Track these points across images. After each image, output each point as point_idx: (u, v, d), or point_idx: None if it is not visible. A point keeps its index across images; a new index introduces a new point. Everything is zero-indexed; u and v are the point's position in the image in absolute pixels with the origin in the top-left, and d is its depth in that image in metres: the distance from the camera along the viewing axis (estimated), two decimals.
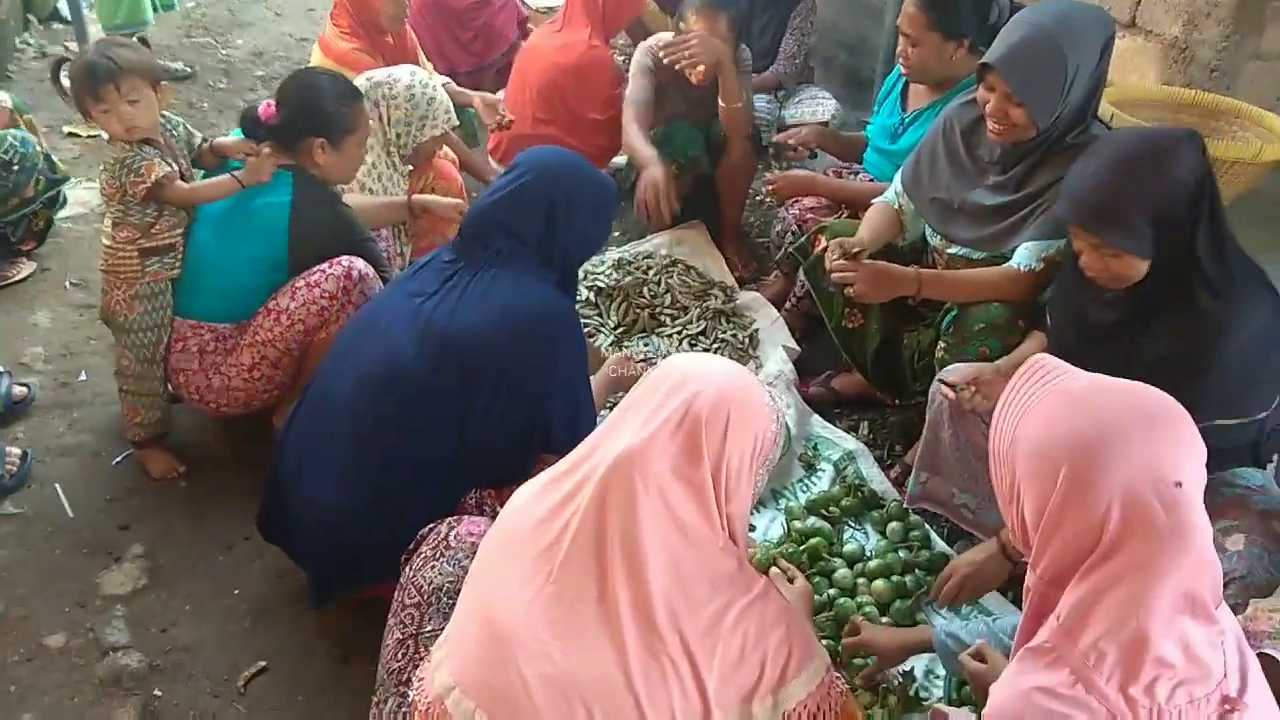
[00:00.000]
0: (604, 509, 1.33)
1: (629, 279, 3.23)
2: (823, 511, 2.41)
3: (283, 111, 2.37)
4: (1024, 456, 1.25)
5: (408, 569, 1.69)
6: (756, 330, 3.09)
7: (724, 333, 3.06)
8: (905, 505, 2.35)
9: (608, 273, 3.27)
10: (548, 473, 1.49)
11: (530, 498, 1.45)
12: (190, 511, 2.40)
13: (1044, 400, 1.26)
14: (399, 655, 1.62)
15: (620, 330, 3.08)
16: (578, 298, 3.17)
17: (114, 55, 2.23)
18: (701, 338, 3.04)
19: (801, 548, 2.28)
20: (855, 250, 2.33)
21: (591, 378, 2.16)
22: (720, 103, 3.13)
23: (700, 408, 1.34)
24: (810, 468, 2.59)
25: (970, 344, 2.23)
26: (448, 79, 3.36)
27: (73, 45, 4.79)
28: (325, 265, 2.37)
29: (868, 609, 2.13)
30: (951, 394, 2.07)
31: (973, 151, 2.37)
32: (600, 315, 3.14)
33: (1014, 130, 2.16)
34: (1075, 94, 2.11)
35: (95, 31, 4.63)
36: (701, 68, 3.01)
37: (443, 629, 1.49)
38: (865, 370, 2.65)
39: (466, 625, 1.42)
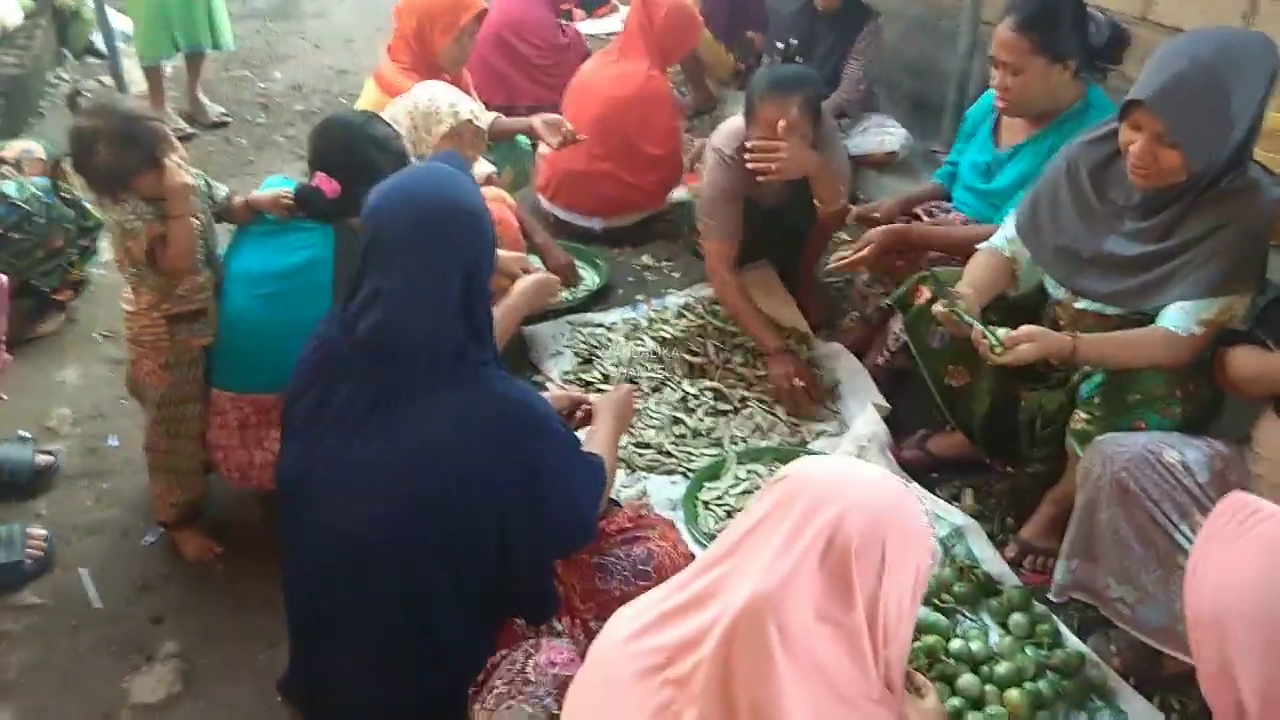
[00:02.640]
0: (731, 667, 1.08)
1: (696, 324, 2.98)
2: (935, 600, 2.13)
3: (341, 179, 2.14)
4: (1238, 624, 0.98)
5: (478, 706, 1.43)
6: (839, 385, 2.83)
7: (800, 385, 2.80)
8: (1053, 597, 2.05)
9: (673, 321, 3.02)
10: (656, 596, 1.24)
11: (634, 632, 1.19)
12: (229, 601, 2.17)
13: (1251, 551, 1.01)
14: None
15: (686, 380, 2.82)
16: (642, 346, 2.95)
17: (106, 156, 2.02)
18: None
19: (916, 645, 2.00)
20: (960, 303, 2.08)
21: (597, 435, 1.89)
22: (816, 202, 2.85)
23: (849, 537, 1.09)
24: None
25: (1125, 417, 1.96)
26: (498, 114, 3.14)
27: (108, 79, 4.65)
28: None
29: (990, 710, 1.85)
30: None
31: (1104, 195, 2.09)
32: (665, 367, 2.88)
33: (1163, 175, 1.90)
34: (1235, 135, 1.84)
35: (130, 65, 4.48)
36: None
37: None
38: (972, 434, 2.37)
39: None
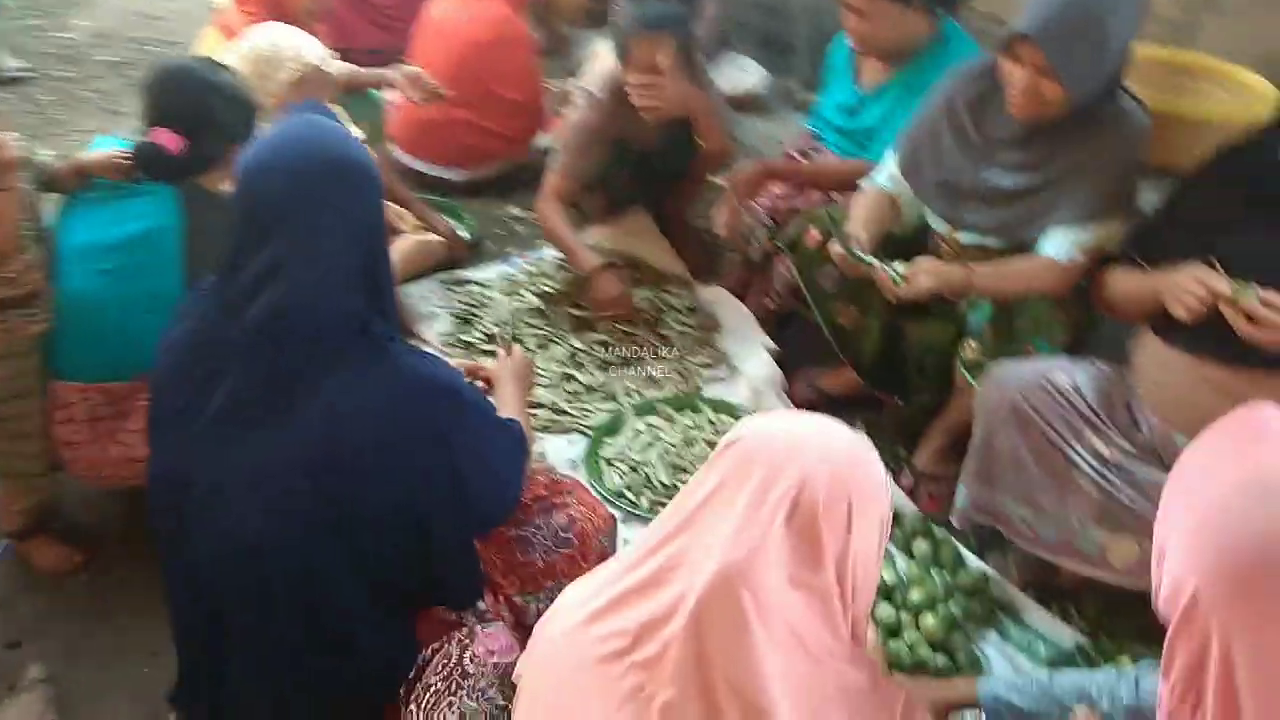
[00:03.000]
0: (704, 642, 1.03)
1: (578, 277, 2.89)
2: None
3: (184, 133, 1.91)
4: (1185, 534, 0.98)
5: (413, 707, 1.33)
6: (722, 329, 2.81)
7: (688, 330, 2.77)
8: (955, 522, 2.11)
9: (553, 275, 2.92)
10: (605, 576, 1.17)
11: (589, 617, 1.13)
12: (96, 614, 1.96)
13: (1231, 476, 1.01)
14: None
15: (573, 335, 2.74)
16: (523, 302, 2.84)
17: None
18: (663, 342, 2.73)
19: None
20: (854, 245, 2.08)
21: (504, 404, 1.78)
22: (699, 141, 2.79)
23: (814, 498, 1.05)
24: None
25: (1014, 344, 2.02)
26: (353, 66, 2.90)
27: None
28: None
29: (921, 651, 1.90)
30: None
31: (983, 129, 2.13)
32: (551, 324, 2.78)
33: (1043, 107, 1.94)
34: (1110, 64, 1.89)
35: None
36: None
37: None
38: (863, 370, 2.41)
39: None
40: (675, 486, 2.26)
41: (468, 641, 1.35)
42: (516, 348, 1.96)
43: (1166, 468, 1.85)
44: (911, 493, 2.33)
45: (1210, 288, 1.69)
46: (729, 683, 1.01)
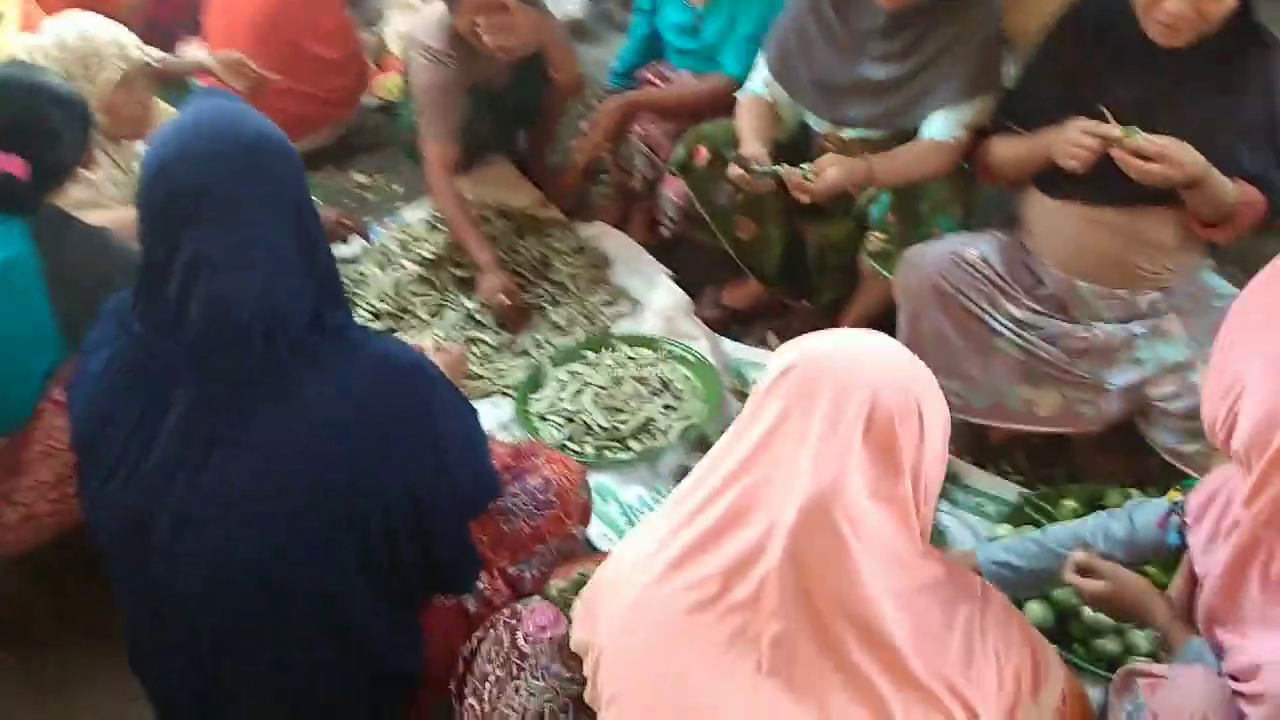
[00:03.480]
0: (805, 569, 1.04)
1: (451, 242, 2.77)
2: None
3: (24, 153, 1.67)
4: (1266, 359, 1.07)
5: (472, 700, 1.28)
6: (611, 263, 2.77)
7: (579, 270, 2.72)
8: None
9: (427, 238, 2.78)
10: (666, 526, 1.15)
11: (665, 571, 1.11)
12: (33, 707, 1.75)
13: None
14: None
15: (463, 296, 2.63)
16: (403, 272, 2.69)
17: None
18: (557, 289, 2.67)
19: None
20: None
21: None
22: (552, 73, 2.70)
23: (888, 412, 1.07)
24: (745, 396, 2.36)
25: (920, 228, 2.10)
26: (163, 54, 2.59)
27: None
28: None
29: None
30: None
31: (849, 22, 2.16)
32: (439, 290, 2.66)
33: None
34: None
35: None
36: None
37: None
38: (768, 279, 2.45)
39: None
40: (615, 428, 2.24)
41: (514, 622, 1.30)
42: (449, 344, 1.90)
43: (1071, 317, 2.03)
44: None
45: (1101, 135, 1.79)
46: (837, 605, 1.03)
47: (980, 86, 2.09)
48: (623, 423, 2.25)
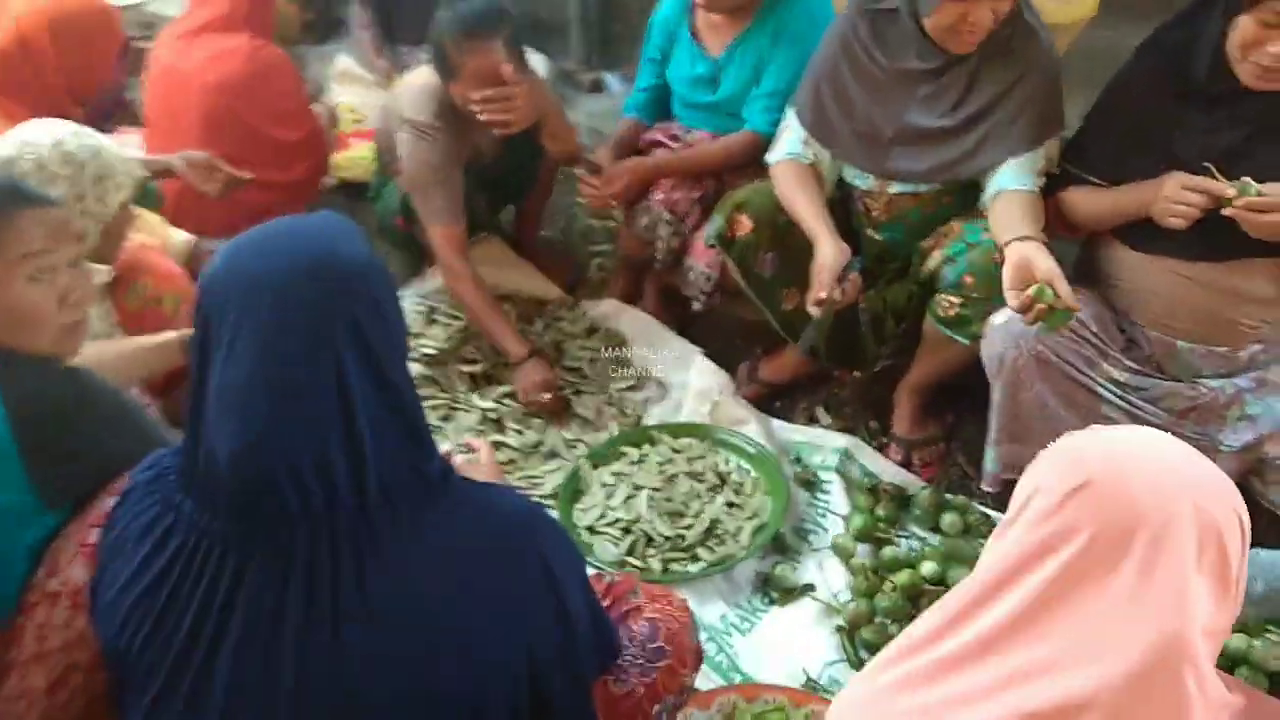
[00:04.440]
0: None
1: (455, 327, 2.50)
2: (877, 534, 1.99)
3: None
4: None
5: None
6: (627, 343, 2.53)
7: (596, 355, 2.47)
8: (986, 487, 2.00)
9: (426, 332, 2.50)
10: (941, 693, 0.92)
11: None
12: None
13: None
14: None
15: (475, 395, 2.36)
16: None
17: None
18: (577, 376, 2.42)
19: (898, 585, 1.84)
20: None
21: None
22: (548, 145, 2.44)
23: (1215, 529, 0.89)
24: (811, 485, 2.14)
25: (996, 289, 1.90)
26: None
27: None
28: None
29: None
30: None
31: (891, 62, 1.99)
32: (446, 391, 2.38)
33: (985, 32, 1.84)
34: None
35: None
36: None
37: None
38: (817, 351, 2.23)
39: None
40: (679, 536, 1.98)
41: None
42: (481, 443, 1.65)
43: (1172, 376, 1.88)
44: (906, 464, 2.21)
45: (1210, 192, 1.67)
46: None
47: (1047, 130, 1.94)
48: (686, 528, 2.00)
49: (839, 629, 1.83)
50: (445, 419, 2.31)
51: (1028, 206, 1.87)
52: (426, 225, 2.40)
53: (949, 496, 2.07)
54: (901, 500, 2.08)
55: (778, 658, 1.79)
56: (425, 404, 2.33)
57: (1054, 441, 1.80)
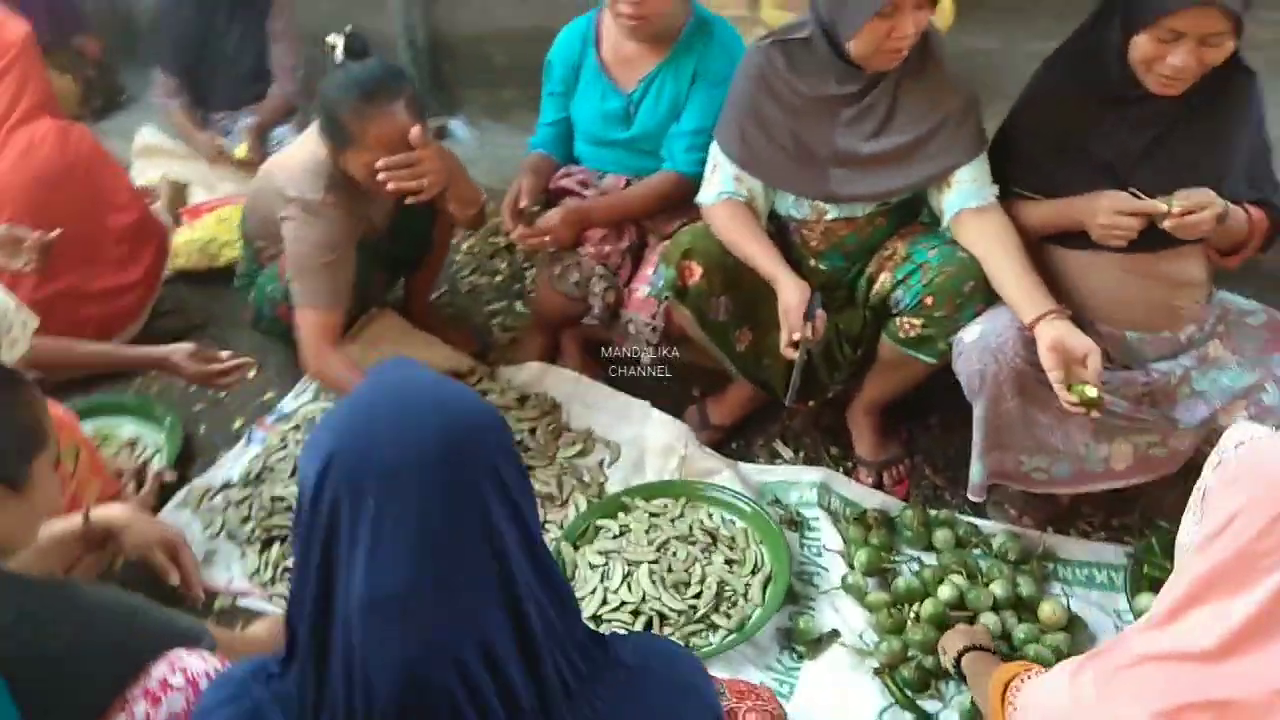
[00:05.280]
0: None
1: None
2: (885, 566, 1.96)
3: None
4: None
5: None
6: (561, 408, 2.38)
7: (535, 424, 2.31)
8: (973, 497, 1.99)
9: None
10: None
11: None
12: None
13: None
14: None
15: None
16: None
17: None
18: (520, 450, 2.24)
19: (923, 617, 1.82)
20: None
21: None
22: (452, 209, 2.25)
23: None
24: (797, 525, 2.09)
25: (966, 309, 1.92)
26: None
27: None
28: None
29: (1050, 642, 1.78)
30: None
31: (809, 95, 1.96)
32: None
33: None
34: None
35: None
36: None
37: None
38: (777, 388, 2.17)
39: None
40: (691, 608, 1.87)
41: None
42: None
43: (1123, 366, 1.98)
44: (879, 486, 2.20)
45: (1142, 212, 1.78)
46: None
47: (983, 139, 1.98)
48: (696, 597, 1.89)
49: (876, 672, 1.79)
50: None
51: (1008, 241, 1.89)
52: (298, 307, 2.15)
53: (932, 513, 2.08)
54: (891, 524, 2.07)
55: (834, 718, 1.72)
56: None
57: (1034, 442, 1.88)
